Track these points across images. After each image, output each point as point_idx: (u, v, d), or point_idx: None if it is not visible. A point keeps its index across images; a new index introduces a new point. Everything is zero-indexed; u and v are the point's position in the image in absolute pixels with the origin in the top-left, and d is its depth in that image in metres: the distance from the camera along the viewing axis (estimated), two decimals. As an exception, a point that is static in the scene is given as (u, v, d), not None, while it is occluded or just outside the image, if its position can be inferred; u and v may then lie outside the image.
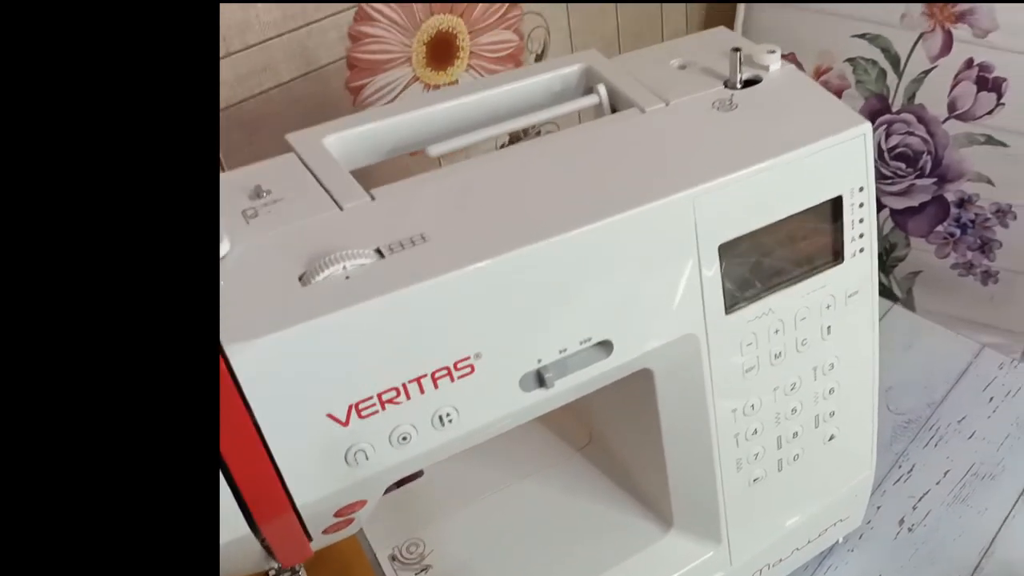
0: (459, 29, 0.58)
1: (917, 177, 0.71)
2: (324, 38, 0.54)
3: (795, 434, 0.43)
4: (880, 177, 0.73)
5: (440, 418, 0.32)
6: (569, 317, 0.33)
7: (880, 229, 0.76)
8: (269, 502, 0.30)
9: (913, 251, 0.75)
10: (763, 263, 0.37)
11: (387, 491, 0.47)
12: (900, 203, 0.74)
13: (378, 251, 0.30)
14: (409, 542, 0.44)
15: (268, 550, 0.33)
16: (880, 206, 0.75)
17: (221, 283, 0.29)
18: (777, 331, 0.39)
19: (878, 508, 0.54)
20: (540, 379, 0.33)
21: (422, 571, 0.42)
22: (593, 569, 0.43)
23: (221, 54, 0.49)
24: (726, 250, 0.35)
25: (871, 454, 0.48)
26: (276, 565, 0.35)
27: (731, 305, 0.37)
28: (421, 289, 0.29)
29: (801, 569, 0.51)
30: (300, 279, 0.29)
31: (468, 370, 0.31)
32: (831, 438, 0.45)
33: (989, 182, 0.68)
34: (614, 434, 0.45)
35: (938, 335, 0.65)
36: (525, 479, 0.47)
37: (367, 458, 0.31)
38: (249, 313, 0.28)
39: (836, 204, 0.37)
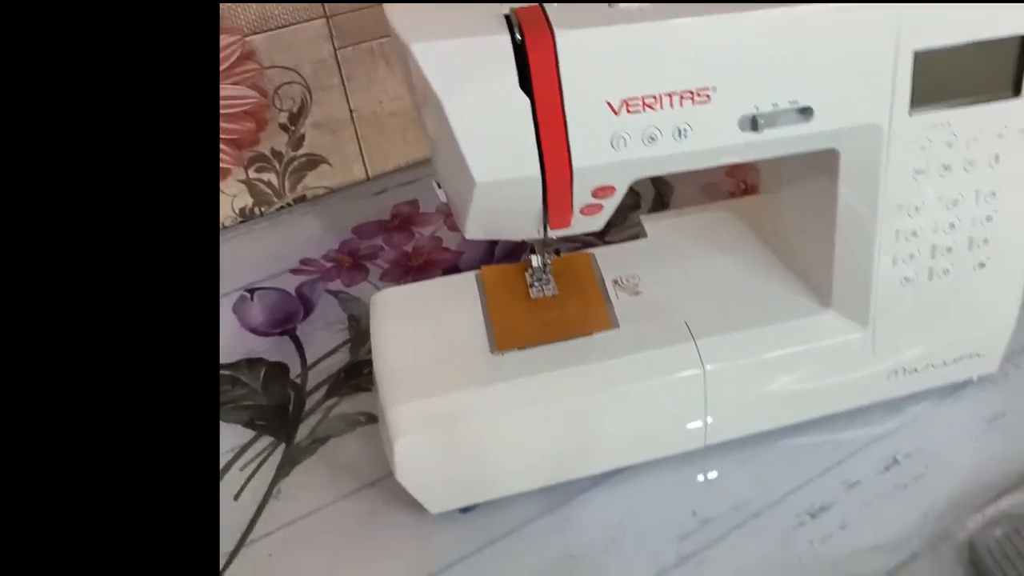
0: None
1: None
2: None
3: (948, 249, 0.53)
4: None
5: (679, 130, 0.45)
6: (783, 79, 0.45)
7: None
8: (558, 158, 0.45)
9: None
10: (949, 79, 0.47)
11: (620, 241, 0.62)
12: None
13: (662, -2, 0.44)
14: (630, 274, 0.58)
15: (544, 211, 0.47)
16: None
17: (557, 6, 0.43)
18: (950, 144, 0.49)
19: (1017, 366, 0.62)
20: (754, 123, 0.46)
21: (635, 294, 0.57)
22: (762, 322, 0.55)
23: None
24: (920, 58, 0.46)
25: (1016, 301, 0.57)
26: (542, 235, 0.49)
27: (914, 107, 0.47)
28: (684, 23, 0.43)
29: (934, 391, 0.60)
30: (608, 4, 0.43)
31: (705, 99, 0.44)
32: (981, 265, 0.54)
33: None
34: (794, 222, 0.57)
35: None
36: (720, 253, 0.60)
37: (625, 145, 0.45)
38: (572, 17, 0.43)
39: (1023, 42, 0.47)
